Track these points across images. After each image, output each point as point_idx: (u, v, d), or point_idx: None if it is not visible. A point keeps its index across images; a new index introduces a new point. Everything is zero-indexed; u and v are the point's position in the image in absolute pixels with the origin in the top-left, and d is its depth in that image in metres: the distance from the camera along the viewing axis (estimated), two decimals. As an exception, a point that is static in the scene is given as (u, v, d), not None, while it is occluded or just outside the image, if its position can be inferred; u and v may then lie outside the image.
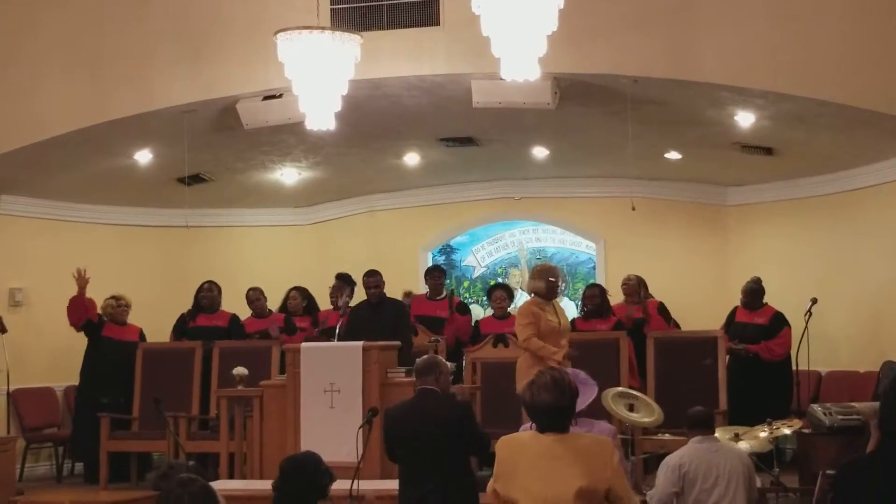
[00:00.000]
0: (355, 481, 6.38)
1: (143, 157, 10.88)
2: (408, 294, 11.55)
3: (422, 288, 11.81)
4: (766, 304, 10.76)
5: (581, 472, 4.52)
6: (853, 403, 8.86)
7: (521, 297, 10.93)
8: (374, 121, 10.25)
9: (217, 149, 10.83)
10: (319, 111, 8.14)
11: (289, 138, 10.56)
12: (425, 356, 6.92)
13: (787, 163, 11.13)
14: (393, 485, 6.73)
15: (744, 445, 7.35)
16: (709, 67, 8.86)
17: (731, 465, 6.61)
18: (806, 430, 8.64)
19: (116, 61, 9.68)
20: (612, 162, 11.35)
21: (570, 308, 11.85)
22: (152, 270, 12.45)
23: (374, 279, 9.72)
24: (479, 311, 12.53)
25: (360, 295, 10.05)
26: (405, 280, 11.95)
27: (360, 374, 8.39)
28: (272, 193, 12.70)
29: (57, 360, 11.53)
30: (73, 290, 10.63)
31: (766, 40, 8.77)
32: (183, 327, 11.12)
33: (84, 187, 11.66)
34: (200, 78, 9.49)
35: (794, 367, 10.30)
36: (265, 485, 7.87)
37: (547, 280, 8.41)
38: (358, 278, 10.23)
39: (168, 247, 12.56)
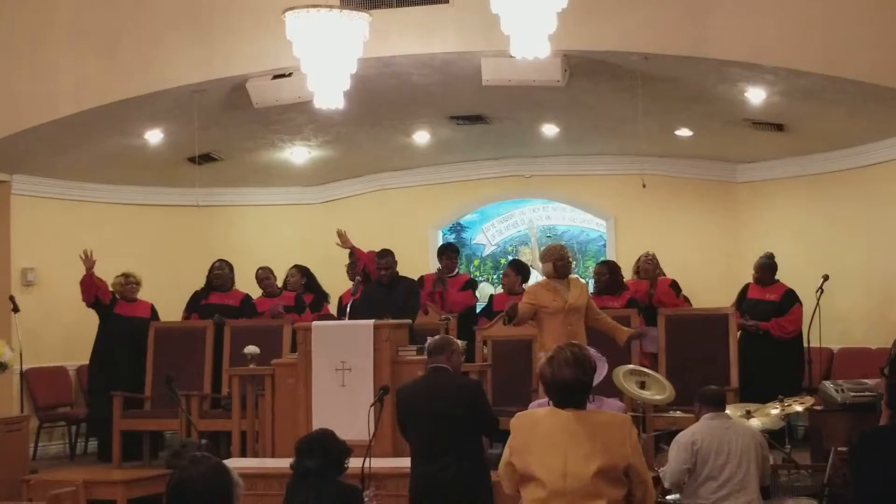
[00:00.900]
0: (367, 459, 6.41)
1: (154, 136, 10.89)
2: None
3: (432, 266, 11.79)
4: (778, 280, 10.74)
5: (600, 448, 4.48)
6: (865, 380, 8.85)
7: (535, 277, 10.89)
8: (383, 99, 10.24)
9: (227, 128, 10.83)
10: (328, 90, 8.14)
11: (298, 117, 10.55)
12: (437, 336, 6.94)
13: (798, 139, 11.08)
14: (405, 462, 6.75)
15: (755, 422, 7.33)
16: (720, 44, 8.82)
17: (744, 442, 6.61)
18: (818, 407, 8.62)
19: (127, 41, 9.68)
20: (623, 139, 11.32)
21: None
22: (164, 249, 12.46)
23: (385, 260, 9.72)
24: (489, 290, 12.51)
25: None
26: (416, 258, 11.94)
27: (372, 353, 8.40)
28: (282, 172, 12.69)
29: (69, 339, 11.58)
30: (84, 270, 10.67)
31: (777, 16, 8.72)
32: (195, 305, 11.14)
33: (95, 167, 11.68)
34: (211, 57, 9.49)
35: (805, 344, 10.31)
36: (277, 463, 7.95)
37: (554, 262, 8.43)
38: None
39: (179, 226, 12.57)
